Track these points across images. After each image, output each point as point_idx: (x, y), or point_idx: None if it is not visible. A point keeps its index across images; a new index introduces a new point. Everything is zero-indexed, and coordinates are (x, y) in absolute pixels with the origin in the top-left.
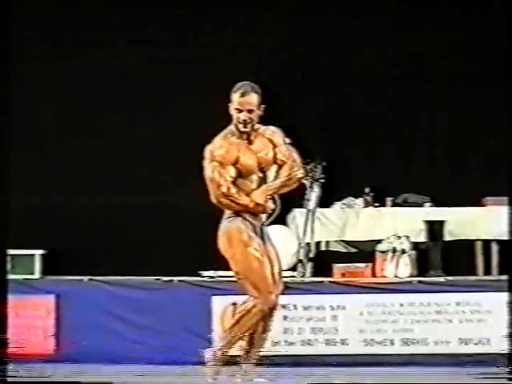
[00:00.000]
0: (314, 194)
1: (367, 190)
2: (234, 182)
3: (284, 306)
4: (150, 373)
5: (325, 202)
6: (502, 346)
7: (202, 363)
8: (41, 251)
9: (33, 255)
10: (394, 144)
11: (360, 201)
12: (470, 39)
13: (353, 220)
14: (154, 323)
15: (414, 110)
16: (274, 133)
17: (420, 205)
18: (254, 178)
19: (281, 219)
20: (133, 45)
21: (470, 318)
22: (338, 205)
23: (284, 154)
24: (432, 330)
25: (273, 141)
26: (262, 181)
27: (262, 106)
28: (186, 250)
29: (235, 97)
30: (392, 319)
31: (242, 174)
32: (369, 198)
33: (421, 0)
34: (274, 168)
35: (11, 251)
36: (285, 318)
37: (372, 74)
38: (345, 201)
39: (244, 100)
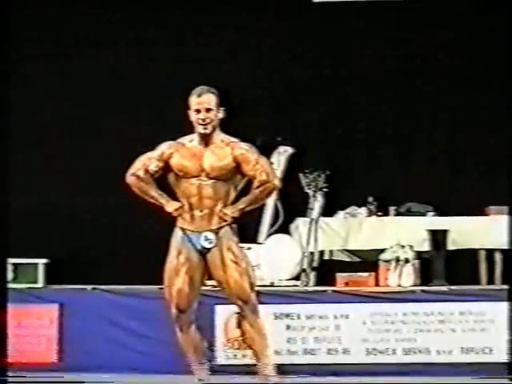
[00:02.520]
0: (317, 203)
1: (370, 199)
2: (152, 175)
3: (287, 315)
4: (153, 382)
5: (328, 211)
6: (504, 356)
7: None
8: (44, 260)
9: (36, 264)
10: (396, 151)
11: (363, 210)
12: (470, 39)
13: (356, 229)
14: (157, 332)
15: (414, 110)
16: (242, 149)
17: (423, 214)
18: (194, 181)
19: (284, 228)
20: (133, 45)
21: (473, 328)
22: (341, 214)
23: (254, 168)
24: (435, 339)
25: (237, 158)
26: (206, 184)
27: (222, 108)
28: None
29: (192, 99)
30: (395, 328)
31: (184, 175)
32: (372, 207)
33: (421, 0)
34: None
35: (14, 260)
36: (288, 327)
37: (372, 74)
38: (348, 210)
39: (201, 99)
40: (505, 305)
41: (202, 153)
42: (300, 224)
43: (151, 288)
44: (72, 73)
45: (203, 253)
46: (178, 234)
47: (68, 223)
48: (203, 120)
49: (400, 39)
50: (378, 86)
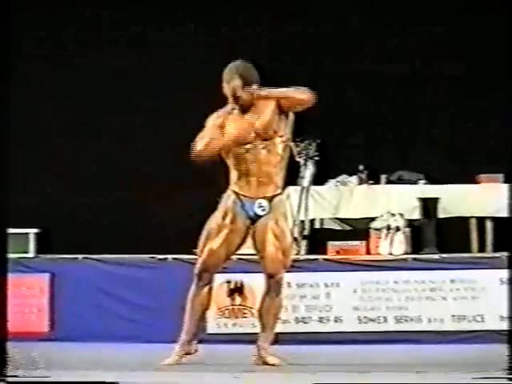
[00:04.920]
0: (308, 172)
1: (361, 167)
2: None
3: None
4: (144, 351)
5: (319, 179)
6: (496, 324)
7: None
8: (35, 230)
9: (27, 234)
10: (390, 125)
11: (354, 178)
12: (470, 39)
13: (347, 197)
14: (148, 301)
15: (414, 109)
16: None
17: (414, 182)
18: (248, 146)
19: None
20: (133, 45)
21: (465, 296)
22: (332, 182)
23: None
24: (426, 307)
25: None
26: (261, 148)
27: (254, 84)
28: (181, 228)
29: (223, 81)
30: (386, 297)
31: (236, 143)
32: (363, 176)
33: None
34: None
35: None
36: None
37: (372, 72)
38: (339, 178)
39: (226, 87)
40: (496, 272)
41: (242, 118)
42: (291, 192)
43: (142, 257)
44: (72, 73)
45: (253, 219)
46: (230, 197)
47: (68, 223)
48: (233, 101)
49: (400, 39)
50: (378, 85)
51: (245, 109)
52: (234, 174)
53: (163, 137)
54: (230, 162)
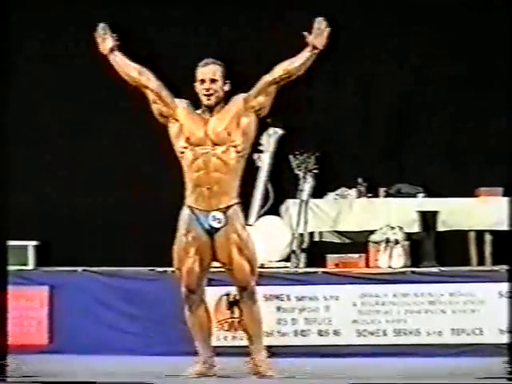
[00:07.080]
0: (307, 185)
1: (360, 180)
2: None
3: (277, 297)
4: (143, 363)
5: (318, 192)
6: (495, 337)
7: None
8: (34, 242)
9: (26, 246)
10: (389, 138)
11: (353, 191)
12: (470, 39)
13: (346, 210)
14: (148, 314)
15: (414, 110)
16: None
17: (413, 195)
18: (199, 150)
19: (274, 210)
20: (133, 45)
21: (464, 309)
22: (331, 195)
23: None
24: (425, 320)
25: (237, 103)
26: (212, 155)
27: (228, 81)
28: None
29: (198, 69)
30: (385, 310)
31: (191, 143)
32: (362, 189)
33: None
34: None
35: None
36: (278, 308)
37: (371, 72)
38: (338, 191)
39: (205, 69)
40: (495, 285)
41: (207, 120)
42: (290, 205)
43: (142, 269)
44: (72, 73)
45: (211, 232)
46: (185, 213)
47: (68, 223)
48: (207, 90)
49: (400, 39)
50: (377, 84)
51: (211, 109)
52: (187, 188)
53: (163, 137)
54: (184, 172)
